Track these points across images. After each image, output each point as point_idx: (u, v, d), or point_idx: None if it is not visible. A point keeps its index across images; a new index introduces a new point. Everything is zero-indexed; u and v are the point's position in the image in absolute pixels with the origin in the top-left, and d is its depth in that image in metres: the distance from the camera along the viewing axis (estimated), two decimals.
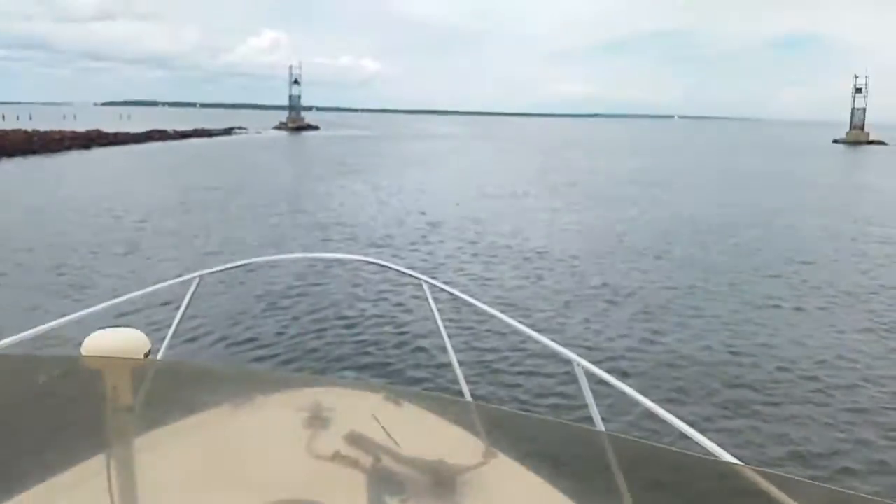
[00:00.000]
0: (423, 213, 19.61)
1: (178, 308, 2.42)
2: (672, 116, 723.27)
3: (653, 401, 1.84)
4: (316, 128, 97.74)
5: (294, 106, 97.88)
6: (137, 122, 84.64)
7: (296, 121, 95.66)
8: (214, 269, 2.73)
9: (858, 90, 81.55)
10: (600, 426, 2.02)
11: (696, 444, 1.62)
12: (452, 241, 15.70)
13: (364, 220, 18.62)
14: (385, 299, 10.46)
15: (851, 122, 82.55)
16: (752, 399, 7.22)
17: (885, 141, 79.68)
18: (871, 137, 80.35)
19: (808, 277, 12.74)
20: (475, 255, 14.34)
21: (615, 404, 5.30)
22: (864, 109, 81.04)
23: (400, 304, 10.13)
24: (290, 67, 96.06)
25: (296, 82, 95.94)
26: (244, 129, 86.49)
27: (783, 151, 63.17)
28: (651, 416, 1.83)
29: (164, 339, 2.37)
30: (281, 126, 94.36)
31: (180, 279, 2.56)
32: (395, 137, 77.37)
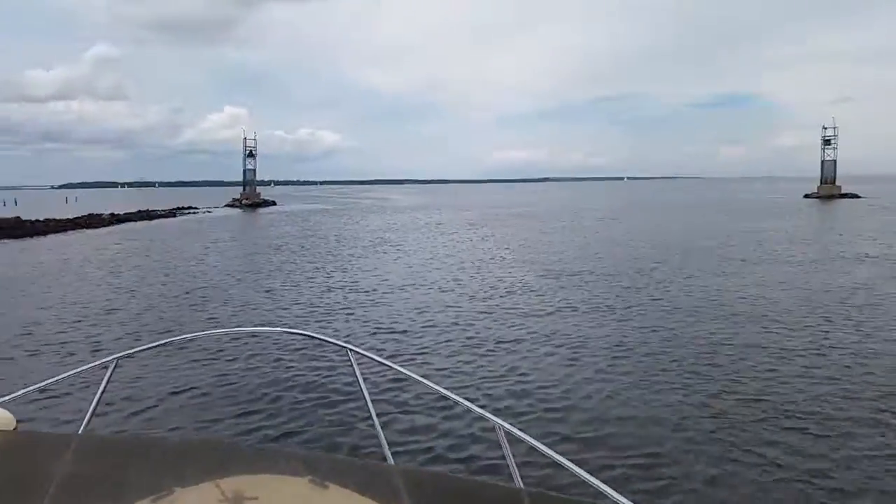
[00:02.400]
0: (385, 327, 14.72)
1: (94, 392, 2.42)
2: (622, 178, 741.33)
3: (569, 459, 1.90)
4: (272, 203, 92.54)
5: (249, 181, 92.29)
6: (84, 205, 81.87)
7: (251, 196, 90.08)
8: (132, 351, 2.80)
9: (827, 142, 79.94)
10: (519, 484, 2.06)
11: (610, 499, 1.70)
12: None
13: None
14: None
15: (822, 176, 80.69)
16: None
17: (859, 194, 78.11)
18: (844, 191, 78.67)
19: None
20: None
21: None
22: (835, 161, 79.41)
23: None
24: (244, 140, 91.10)
25: (250, 155, 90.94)
26: (194, 209, 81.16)
27: (759, 211, 60.18)
28: (568, 474, 1.88)
29: (81, 423, 2.41)
30: (234, 203, 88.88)
31: (97, 363, 2.58)
32: (352, 212, 72.56)
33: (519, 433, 2.05)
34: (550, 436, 7.64)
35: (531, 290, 17.90)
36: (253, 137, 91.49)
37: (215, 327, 13.62)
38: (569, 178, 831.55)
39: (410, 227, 44.69)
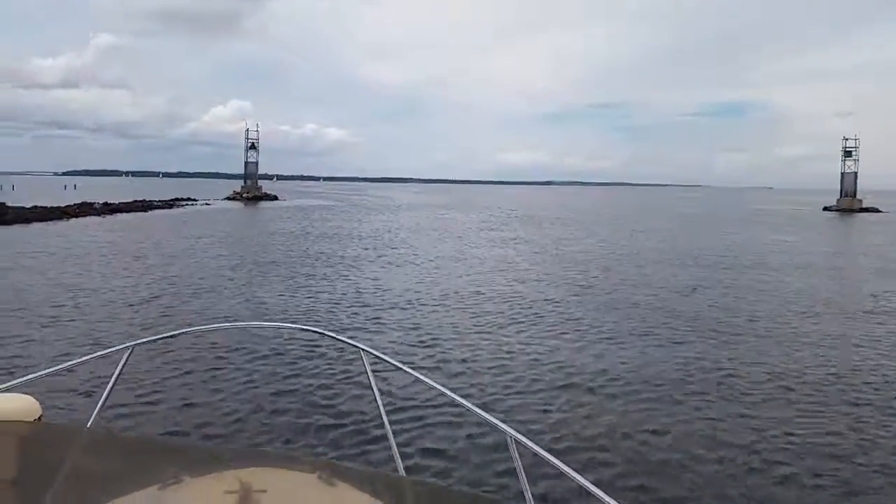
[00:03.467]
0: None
1: (108, 379, 2.46)
2: (625, 183, 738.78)
3: (584, 476, 1.87)
4: (274, 197, 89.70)
5: (250, 174, 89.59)
6: (82, 193, 79.52)
7: (252, 190, 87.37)
8: (146, 339, 2.80)
9: (848, 153, 77.20)
10: (530, 502, 2.02)
11: None
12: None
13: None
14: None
15: (842, 188, 77.88)
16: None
17: (880, 208, 75.48)
18: (864, 205, 75.96)
19: None
20: None
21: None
22: (856, 174, 76.62)
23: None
24: (247, 131, 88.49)
25: (252, 147, 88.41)
26: (192, 200, 78.74)
27: (783, 223, 57.70)
28: (582, 491, 1.83)
29: (93, 410, 2.45)
30: (234, 196, 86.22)
31: (111, 350, 2.61)
32: (354, 209, 69.87)
33: (531, 444, 2.04)
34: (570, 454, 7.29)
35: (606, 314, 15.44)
36: (255, 129, 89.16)
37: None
38: (571, 181, 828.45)
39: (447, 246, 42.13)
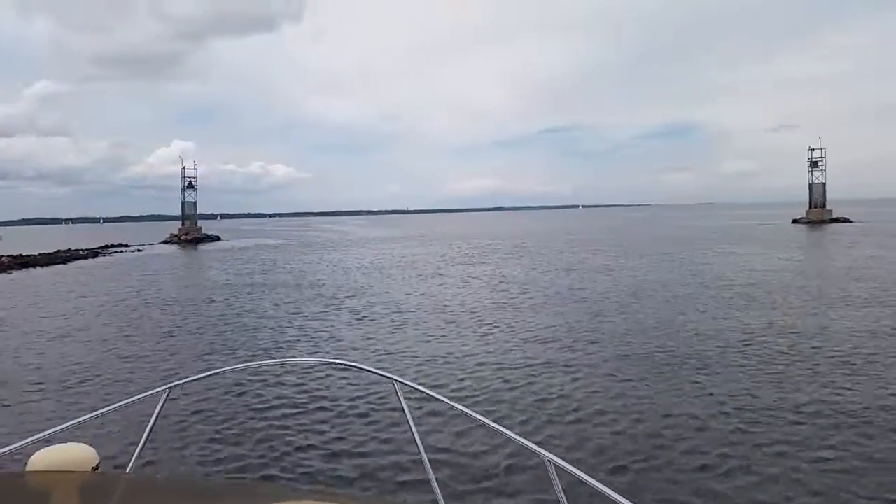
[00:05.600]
0: None
1: (146, 423, 2.47)
2: (577, 206, 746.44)
3: (626, 497, 1.81)
4: (216, 238, 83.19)
5: (189, 215, 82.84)
6: (6, 243, 75.25)
7: (191, 231, 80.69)
8: (184, 381, 2.79)
9: (814, 163, 75.12)
10: None
11: None
12: None
13: None
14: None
15: (811, 199, 75.81)
16: None
17: (850, 218, 73.50)
18: (835, 215, 73.90)
19: None
20: None
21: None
22: (824, 184, 74.54)
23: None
24: (183, 169, 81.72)
25: (189, 186, 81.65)
26: (125, 246, 71.86)
27: (751, 238, 54.49)
28: None
29: (133, 454, 2.51)
30: (172, 238, 79.59)
31: (149, 393, 2.60)
32: (304, 246, 64.00)
33: (572, 469, 1.99)
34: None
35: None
36: (193, 168, 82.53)
37: None
38: (523, 206, 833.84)
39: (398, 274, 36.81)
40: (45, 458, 1.83)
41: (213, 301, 23.61)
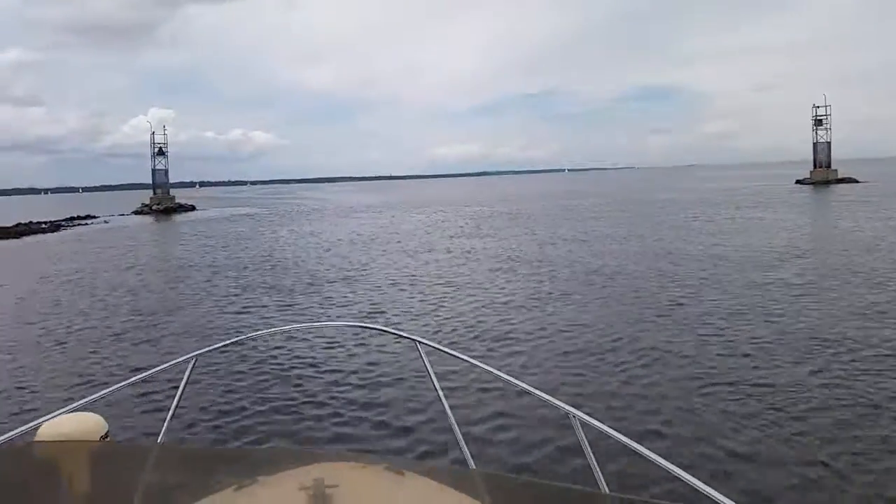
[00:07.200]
0: None
1: (175, 391, 2.44)
2: (563, 170, 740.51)
3: (657, 453, 1.78)
4: (190, 208, 78.49)
5: (161, 184, 77.84)
6: None
7: (163, 201, 75.84)
8: (210, 348, 2.76)
9: (819, 122, 71.21)
10: (604, 488, 1.97)
11: (709, 499, 1.51)
12: None
13: None
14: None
15: (815, 159, 72.25)
16: None
17: (857, 178, 70.18)
18: (841, 175, 70.51)
19: None
20: None
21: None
22: (829, 143, 70.87)
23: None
24: (152, 135, 76.21)
25: (160, 153, 76.34)
26: (93, 217, 67.30)
27: (762, 202, 51.15)
28: (650, 465, 1.76)
29: (163, 422, 2.51)
30: (143, 209, 74.81)
31: (175, 361, 2.58)
32: (284, 216, 59.43)
33: (596, 423, 1.97)
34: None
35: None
36: (163, 133, 77.11)
37: None
38: (506, 171, 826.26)
39: (378, 242, 32.80)
40: (53, 428, 1.80)
41: (167, 288, 19.60)
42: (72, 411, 2.01)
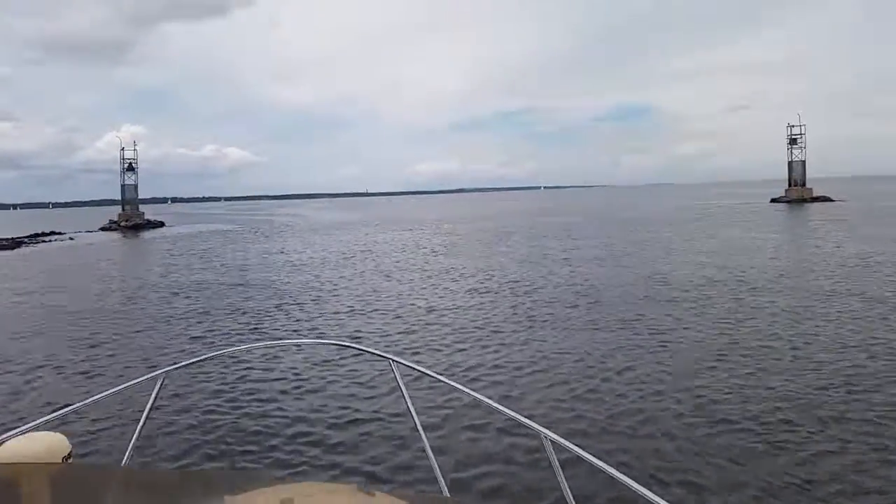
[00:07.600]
0: None
1: (143, 408, 2.35)
2: (539, 187, 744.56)
3: (622, 472, 1.76)
4: (159, 224, 76.77)
5: (129, 200, 75.74)
6: None
7: (131, 217, 73.95)
8: (179, 365, 2.68)
9: (793, 141, 71.74)
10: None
11: None
12: None
13: None
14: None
15: (790, 178, 72.63)
16: None
17: (831, 196, 70.64)
18: (816, 193, 70.88)
19: None
20: None
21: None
22: (804, 162, 71.30)
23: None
24: (121, 150, 74.49)
25: (130, 168, 74.58)
26: (58, 234, 65.09)
27: (737, 220, 50.94)
28: (621, 487, 1.75)
29: (129, 442, 2.36)
30: (111, 225, 72.87)
31: (143, 378, 2.49)
32: (256, 233, 57.83)
33: (568, 444, 1.96)
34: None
35: None
36: (133, 149, 75.27)
37: None
38: (484, 188, 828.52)
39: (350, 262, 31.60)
40: (12, 449, 1.72)
41: (122, 309, 18.25)
42: (33, 430, 1.90)
